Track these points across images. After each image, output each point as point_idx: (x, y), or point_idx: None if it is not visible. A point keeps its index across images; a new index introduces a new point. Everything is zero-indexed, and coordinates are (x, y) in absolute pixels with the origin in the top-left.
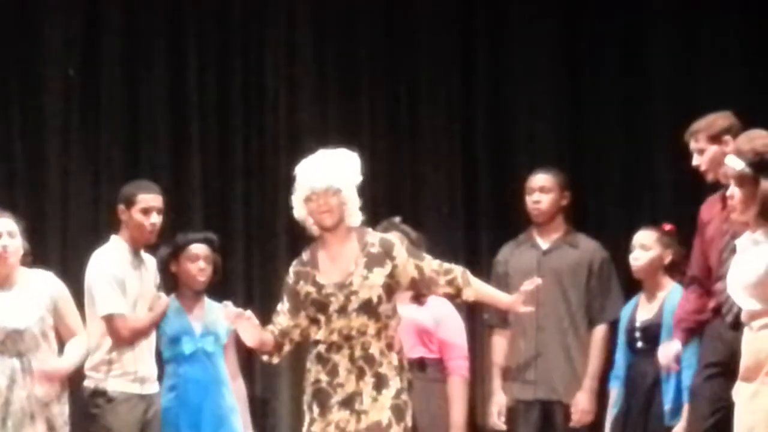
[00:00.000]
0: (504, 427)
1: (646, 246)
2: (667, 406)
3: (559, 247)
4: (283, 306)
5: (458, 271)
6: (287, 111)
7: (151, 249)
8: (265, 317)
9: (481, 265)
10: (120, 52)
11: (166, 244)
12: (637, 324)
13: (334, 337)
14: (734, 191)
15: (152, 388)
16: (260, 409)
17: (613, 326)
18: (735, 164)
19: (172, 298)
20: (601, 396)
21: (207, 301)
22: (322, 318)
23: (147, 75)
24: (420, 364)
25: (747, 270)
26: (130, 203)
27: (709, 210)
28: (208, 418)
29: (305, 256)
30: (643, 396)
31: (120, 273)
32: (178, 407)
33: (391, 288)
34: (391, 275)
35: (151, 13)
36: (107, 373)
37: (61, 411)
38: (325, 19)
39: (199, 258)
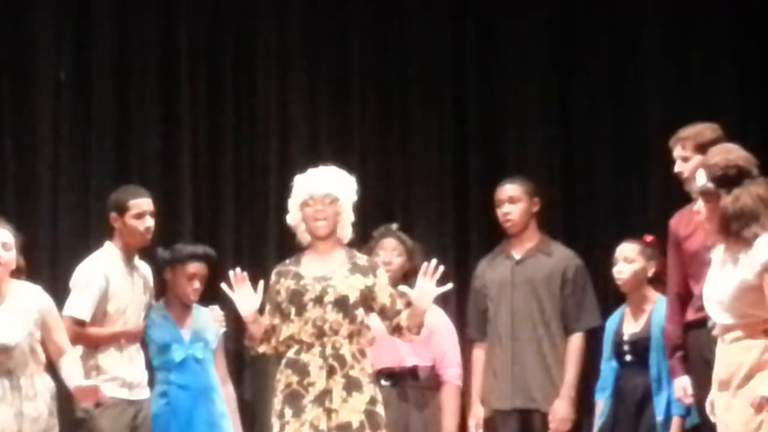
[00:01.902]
0: None
1: (629, 258)
2: (659, 417)
3: (532, 256)
4: (266, 310)
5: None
6: (279, 110)
7: (148, 253)
8: None
9: (470, 269)
10: (111, 57)
11: (164, 250)
12: (625, 338)
13: (308, 330)
14: (700, 206)
15: (142, 393)
16: (249, 413)
17: (595, 336)
18: (700, 180)
19: (161, 305)
20: (578, 404)
21: (195, 307)
22: (293, 309)
23: (138, 82)
24: (413, 373)
25: (722, 285)
26: (122, 210)
27: (686, 224)
28: (199, 425)
29: (289, 260)
30: (632, 407)
31: (103, 281)
32: (169, 414)
33: (366, 300)
34: (371, 289)
35: (142, 18)
36: (95, 378)
37: (53, 423)
38: (317, 27)
39: (195, 277)
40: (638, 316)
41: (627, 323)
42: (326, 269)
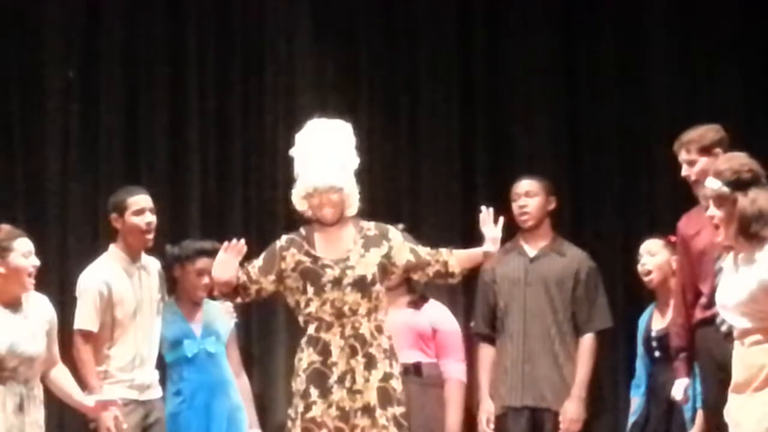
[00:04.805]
0: None
1: (652, 252)
2: (688, 414)
3: (546, 254)
4: (257, 262)
5: (444, 250)
6: (286, 108)
7: (157, 250)
8: (263, 323)
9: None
10: (120, 57)
11: (173, 246)
12: (653, 334)
13: (327, 310)
14: (714, 212)
15: (153, 393)
16: (257, 405)
17: (606, 337)
18: (713, 185)
19: (171, 302)
20: (589, 404)
21: (205, 302)
22: (311, 289)
23: (146, 82)
24: (416, 369)
25: (738, 289)
26: (121, 209)
27: (695, 222)
28: (217, 419)
29: (302, 231)
30: (663, 404)
31: (104, 287)
32: (187, 410)
33: (385, 269)
34: (387, 256)
35: (151, 17)
36: (104, 380)
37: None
38: (326, 17)
39: (204, 273)
40: (664, 312)
41: (655, 319)
42: (341, 250)
